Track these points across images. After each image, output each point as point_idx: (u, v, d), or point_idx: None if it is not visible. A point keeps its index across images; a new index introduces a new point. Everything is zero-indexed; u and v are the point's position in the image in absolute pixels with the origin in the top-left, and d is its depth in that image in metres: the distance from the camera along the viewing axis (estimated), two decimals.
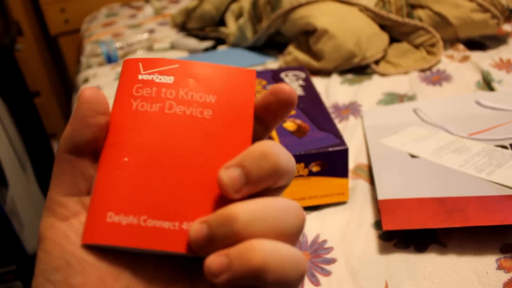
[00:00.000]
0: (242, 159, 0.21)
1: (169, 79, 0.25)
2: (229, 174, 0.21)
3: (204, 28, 1.15)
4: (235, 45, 1.06)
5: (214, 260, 0.20)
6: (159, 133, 0.23)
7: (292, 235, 0.20)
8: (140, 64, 0.25)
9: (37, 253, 0.22)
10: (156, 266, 0.23)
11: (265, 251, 0.19)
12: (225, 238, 0.20)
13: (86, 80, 1.02)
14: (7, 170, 1.25)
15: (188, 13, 1.17)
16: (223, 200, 0.22)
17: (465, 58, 0.82)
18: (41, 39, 1.89)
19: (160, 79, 0.24)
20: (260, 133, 0.25)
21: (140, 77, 0.24)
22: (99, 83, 0.97)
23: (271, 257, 0.19)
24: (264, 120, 0.25)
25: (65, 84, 2.06)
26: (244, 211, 0.20)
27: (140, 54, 1.12)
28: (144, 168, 0.22)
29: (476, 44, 0.87)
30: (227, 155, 0.23)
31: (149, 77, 0.25)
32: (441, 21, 0.85)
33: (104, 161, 0.23)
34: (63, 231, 0.22)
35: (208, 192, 0.22)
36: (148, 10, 1.52)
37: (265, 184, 0.22)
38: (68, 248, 0.21)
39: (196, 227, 0.21)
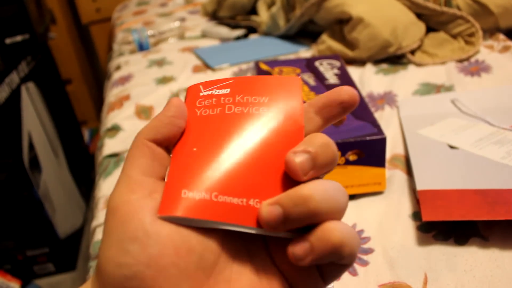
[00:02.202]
0: (308, 146, 0.23)
1: (225, 91, 0.28)
2: (299, 157, 0.23)
3: (236, 17, 1.15)
4: (266, 33, 1.05)
5: (298, 246, 0.22)
6: (222, 128, 0.26)
7: (344, 211, 0.23)
8: (200, 86, 0.29)
9: (107, 225, 0.23)
10: (221, 241, 0.24)
11: (341, 231, 0.22)
12: (301, 217, 0.22)
13: (118, 67, 1.03)
14: (40, 155, 1.28)
15: (219, 1, 1.17)
16: (286, 181, 0.24)
17: (505, 49, 0.79)
18: (73, 27, 1.92)
19: (218, 92, 0.28)
20: (316, 124, 0.27)
21: (201, 94, 0.28)
22: (131, 70, 0.98)
23: (346, 234, 0.22)
24: (324, 114, 0.27)
25: (96, 72, 2.09)
26: (317, 191, 0.22)
27: (172, 42, 1.12)
28: (211, 154, 0.25)
29: None
30: (284, 142, 0.25)
31: (209, 92, 0.28)
32: (481, 10, 0.82)
33: (176, 152, 0.26)
34: (140, 205, 0.23)
35: (269, 174, 0.24)
36: None
37: (326, 170, 0.24)
38: (146, 220, 0.22)
39: (268, 208, 0.23)
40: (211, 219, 0.23)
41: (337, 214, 0.22)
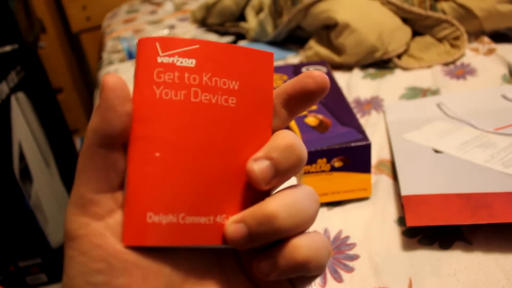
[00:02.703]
0: (270, 151, 0.22)
1: (190, 62, 0.23)
2: (259, 166, 0.22)
3: (224, 24, 1.15)
4: (255, 40, 1.05)
5: (263, 262, 0.22)
6: (187, 124, 0.22)
7: (313, 219, 0.22)
8: (157, 44, 0.23)
9: (68, 253, 0.21)
10: (189, 258, 0.23)
11: (307, 247, 0.21)
12: (265, 235, 0.21)
13: None
14: (31, 165, 1.28)
15: (208, 8, 1.17)
16: (252, 192, 0.23)
17: (490, 51, 0.80)
18: (63, 36, 1.92)
19: (182, 62, 0.23)
20: (283, 118, 0.24)
21: (159, 59, 0.23)
22: None
23: (312, 250, 0.21)
24: (291, 105, 0.24)
25: (87, 80, 2.08)
26: (281, 207, 0.21)
27: None
28: (177, 163, 0.22)
29: (502, 36, 0.84)
30: (252, 145, 0.23)
31: (169, 59, 0.23)
32: (466, 14, 0.83)
33: (134, 155, 0.22)
34: (100, 231, 0.21)
35: (236, 184, 0.23)
36: (168, 6, 1.53)
37: (291, 175, 0.23)
38: (109, 249, 0.20)
39: (233, 227, 0.22)
40: (181, 244, 0.22)
41: (304, 226, 0.22)
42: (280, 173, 0.22)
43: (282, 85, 0.24)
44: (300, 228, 0.22)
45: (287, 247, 0.21)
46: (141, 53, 0.23)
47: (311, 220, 0.22)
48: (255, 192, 0.23)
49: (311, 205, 0.22)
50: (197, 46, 0.23)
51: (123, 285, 0.20)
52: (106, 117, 0.20)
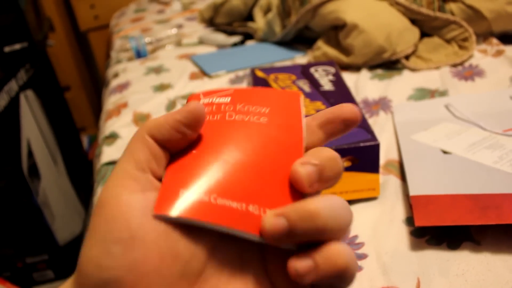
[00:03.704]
0: (316, 158, 0.24)
1: (226, 99, 0.28)
2: (306, 169, 0.23)
3: (232, 23, 1.16)
4: (263, 40, 1.06)
5: (301, 262, 0.21)
6: (222, 133, 0.26)
7: (349, 230, 0.22)
8: (201, 94, 0.29)
9: (93, 222, 0.22)
10: (211, 248, 0.23)
11: (347, 255, 0.21)
12: (306, 232, 0.21)
13: (116, 75, 1.04)
14: (39, 162, 1.29)
15: (216, 8, 1.18)
16: (287, 191, 0.24)
17: (499, 53, 0.80)
18: (71, 34, 1.93)
19: (219, 100, 0.28)
20: (319, 138, 0.27)
21: (201, 101, 0.28)
22: (129, 78, 0.98)
23: (351, 259, 0.21)
24: (327, 128, 0.27)
25: (94, 79, 2.09)
26: (324, 207, 0.21)
27: (169, 49, 1.13)
28: (211, 158, 0.25)
29: (510, 38, 0.84)
30: (284, 153, 0.25)
31: (209, 100, 0.28)
32: (474, 15, 0.83)
33: (175, 154, 0.25)
34: (130, 203, 0.22)
35: (269, 182, 0.24)
36: (176, 5, 1.54)
37: (330, 184, 0.24)
38: (133, 221, 0.21)
39: (273, 220, 0.22)
40: (210, 222, 0.22)
41: (342, 232, 0.22)
42: (323, 179, 0.23)
43: (322, 111, 0.27)
44: (339, 233, 0.22)
45: (328, 251, 0.21)
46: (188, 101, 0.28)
47: (347, 229, 0.22)
48: (290, 192, 0.24)
49: (348, 214, 0.22)
50: (231, 91, 0.29)
51: (139, 259, 0.21)
52: (169, 124, 0.24)
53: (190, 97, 0.29)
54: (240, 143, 0.26)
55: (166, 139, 0.24)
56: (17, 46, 1.25)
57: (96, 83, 2.10)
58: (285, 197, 0.24)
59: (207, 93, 0.29)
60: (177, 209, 0.22)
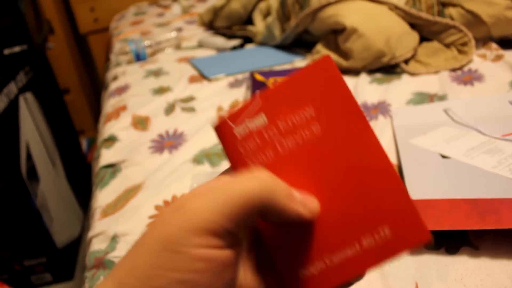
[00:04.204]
0: None
1: (262, 120, 0.23)
2: None
3: (232, 27, 1.16)
4: (262, 43, 1.06)
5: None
6: (292, 177, 0.22)
7: None
8: (229, 122, 0.24)
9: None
10: None
11: None
12: None
13: (115, 78, 1.04)
14: (38, 165, 1.28)
15: (216, 11, 1.18)
16: (393, 193, 0.21)
17: (498, 57, 0.80)
18: (71, 37, 1.93)
19: (254, 124, 0.23)
20: None
21: (235, 133, 0.24)
22: (128, 81, 0.98)
23: None
24: None
25: (94, 81, 2.10)
26: None
27: (169, 52, 1.13)
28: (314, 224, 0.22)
29: (510, 42, 0.85)
30: (359, 152, 0.22)
31: (243, 127, 0.24)
32: (474, 20, 0.83)
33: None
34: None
35: (368, 200, 0.22)
36: (176, 8, 1.54)
37: None
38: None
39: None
40: (337, 284, 0.21)
41: None
42: None
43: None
44: None
45: None
46: (223, 140, 0.24)
47: None
48: (395, 191, 0.22)
49: None
50: (258, 102, 0.24)
51: None
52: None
53: (219, 129, 0.24)
54: (313, 180, 0.22)
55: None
56: (16, 49, 1.25)
57: (95, 86, 2.10)
58: (392, 200, 0.21)
59: (235, 116, 0.24)
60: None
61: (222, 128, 0.24)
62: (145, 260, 0.20)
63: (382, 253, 0.21)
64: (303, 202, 0.22)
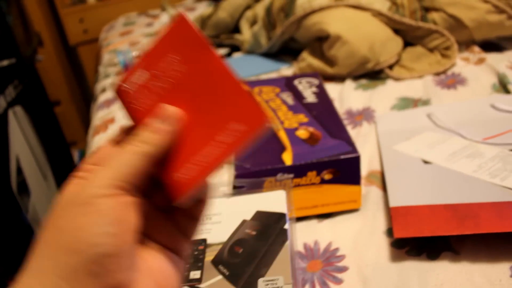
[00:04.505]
0: None
1: (144, 75, 0.29)
2: None
3: (219, 36, 1.16)
4: (249, 52, 1.06)
5: None
6: (172, 105, 0.28)
7: None
8: (121, 83, 0.30)
9: None
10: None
11: None
12: None
13: (103, 90, 1.04)
14: (29, 178, 1.28)
15: (204, 20, 1.19)
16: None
17: (480, 60, 0.81)
18: (60, 49, 1.93)
19: (140, 79, 0.29)
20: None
21: (127, 89, 0.30)
22: None
23: None
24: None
25: (84, 93, 2.09)
26: None
27: None
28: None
29: (492, 45, 0.86)
30: (212, 75, 0.27)
31: (132, 85, 0.30)
32: (456, 24, 0.84)
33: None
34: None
35: (215, 110, 0.27)
36: (165, 18, 1.54)
37: None
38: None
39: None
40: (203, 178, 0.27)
41: None
42: None
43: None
44: None
45: None
46: (120, 97, 0.30)
47: None
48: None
49: None
50: (140, 61, 0.29)
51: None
52: None
53: (117, 90, 0.30)
54: (182, 103, 0.28)
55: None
56: (4, 63, 1.25)
57: (86, 97, 2.10)
58: (236, 102, 0.26)
59: (125, 79, 0.30)
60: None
61: (119, 91, 0.30)
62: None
63: (234, 143, 0.26)
64: (161, 118, 0.27)
